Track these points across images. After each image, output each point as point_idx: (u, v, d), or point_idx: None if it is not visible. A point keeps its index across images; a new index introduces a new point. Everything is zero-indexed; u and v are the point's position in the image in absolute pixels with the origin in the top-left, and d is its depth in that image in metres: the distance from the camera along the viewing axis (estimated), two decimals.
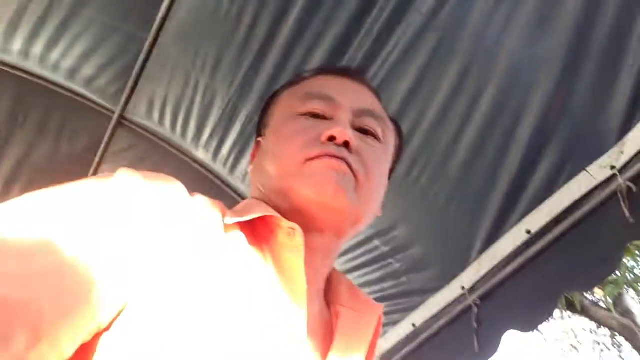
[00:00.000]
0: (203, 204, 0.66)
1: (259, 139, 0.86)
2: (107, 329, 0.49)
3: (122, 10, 1.75)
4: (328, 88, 0.81)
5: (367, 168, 0.74)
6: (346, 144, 0.72)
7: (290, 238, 0.66)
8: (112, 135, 2.16)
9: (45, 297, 0.42)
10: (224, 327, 0.53)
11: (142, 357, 0.48)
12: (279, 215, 0.67)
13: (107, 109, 2.10)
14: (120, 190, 0.55)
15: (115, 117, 2.09)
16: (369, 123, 0.79)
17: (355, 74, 0.88)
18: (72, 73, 1.98)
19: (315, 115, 0.77)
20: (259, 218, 0.68)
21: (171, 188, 0.62)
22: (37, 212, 0.49)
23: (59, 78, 2.01)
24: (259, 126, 0.89)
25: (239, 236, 0.65)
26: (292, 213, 0.70)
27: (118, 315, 0.50)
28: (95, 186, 0.56)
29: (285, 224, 0.66)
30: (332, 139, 0.72)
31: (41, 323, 0.41)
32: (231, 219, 0.67)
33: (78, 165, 2.21)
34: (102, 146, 2.18)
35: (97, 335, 0.49)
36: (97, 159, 2.22)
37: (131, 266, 0.51)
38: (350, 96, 0.80)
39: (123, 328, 0.49)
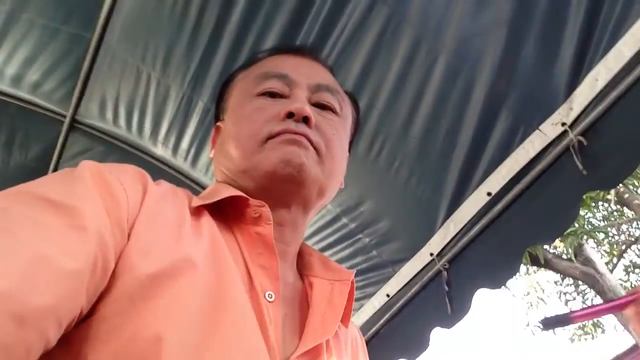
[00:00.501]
0: (168, 189, 0.67)
1: (218, 123, 0.87)
2: (88, 314, 0.50)
3: (63, 12, 1.69)
4: (282, 67, 0.82)
5: (327, 141, 0.76)
6: (305, 120, 0.74)
7: (257, 215, 0.67)
8: (65, 139, 2.10)
9: (29, 284, 0.42)
10: (199, 305, 0.54)
11: (123, 339, 0.49)
12: (245, 195, 0.68)
13: (58, 114, 2.04)
14: (88, 177, 0.55)
15: (67, 120, 2.03)
16: (326, 97, 0.81)
17: (308, 51, 0.89)
18: (17, 80, 1.91)
19: (272, 94, 0.78)
20: (226, 200, 0.69)
21: (137, 174, 0.63)
22: (13, 204, 0.49)
23: (4, 86, 1.93)
24: (216, 111, 0.90)
25: (207, 218, 0.67)
26: (258, 191, 0.71)
27: (99, 300, 0.50)
28: (64, 176, 0.56)
29: (253, 202, 0.68)
30: (290, 115, 0.73)
31: (24, 311, 0.41)
32: (198, 202, 0.68)
33: (33, 173, 2.15)
34: (57, 152, 2.12)
35: (79, 322, 0.49)
36: (52, 166, 2.16)
37: (109, 251, 0.51)
38: (305, 73, 0.82)
39: (103, 313, 0.50)
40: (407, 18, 1.42)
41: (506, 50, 1.37)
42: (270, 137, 0.72)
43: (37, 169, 2.16)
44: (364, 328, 2.03)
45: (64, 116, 2.04)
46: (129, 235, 0.55)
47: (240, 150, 0.74)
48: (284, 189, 0.72)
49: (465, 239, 1.67)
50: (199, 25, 1.59)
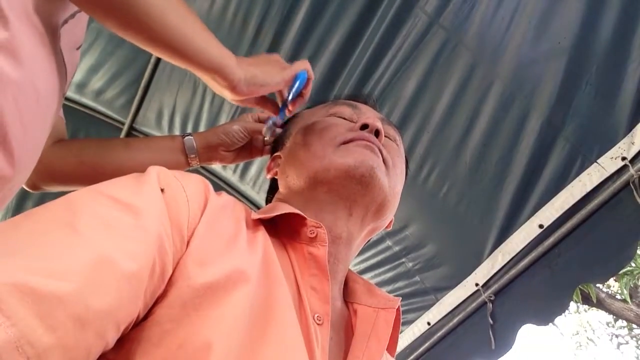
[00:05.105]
0: (229, 201, 0.69)
1: (277, 153, 0.89)
2: (142, 318, 0.50)
3: None
4: (350, 102, 0.89)
5: (392, 159, 0.80)
6: (376, 134, 0.78)
7: (313, 235, 0.67)
8: None
9: (91, 286, 0.42)
10: (249, 318, 0.54)
11: (173, 345, 0.48)
12: (302, 214, 0.69)
13: (117, 121, 2.12)
14: (155, 181, 0.57)
15: (126, 128, 2.10)
16: (388, 129, 0.86)
17: (370, 100, 0.95)
18: (82, 87, 2.00)
19: (342, 118, 0.84)
20: (283, 218, 0.70)
21: (200, 183, 0.64)
22: (81, 200, 0.50)
23: (69, 92, 2.03)
24: (274, 143, 0.94)
25: (263, 233, 0.67)
26: (322, 200, 0.74)
27: (154, 305, 0.51)
28: (132, 178, 0.57)
29: (310, 222, 0.68)
30: (364, 127, 0.78)
31: (86, 313, 0.41)
32: (256, 216, 0.69)
33: None
34: None
35: (134, 325, 0.49)
36: None
37: (168, 257, 0.52)
38: (371, 110, 0.90)
39: (156, 317, 0.50)
40: (464, 42, 1.41)
41: (565, 78, 1.33)
42: (345, 142, 0.76)
43: None
44: (401, 356, 1.98)
45: (123, 123, 2.11)
46: (188, 242, 0.55)
47: (312, 154, 0.77)
48: (351, 191, 0.73)
49: (513, 271, 1.62)
50: (255, 40, 1.62)
